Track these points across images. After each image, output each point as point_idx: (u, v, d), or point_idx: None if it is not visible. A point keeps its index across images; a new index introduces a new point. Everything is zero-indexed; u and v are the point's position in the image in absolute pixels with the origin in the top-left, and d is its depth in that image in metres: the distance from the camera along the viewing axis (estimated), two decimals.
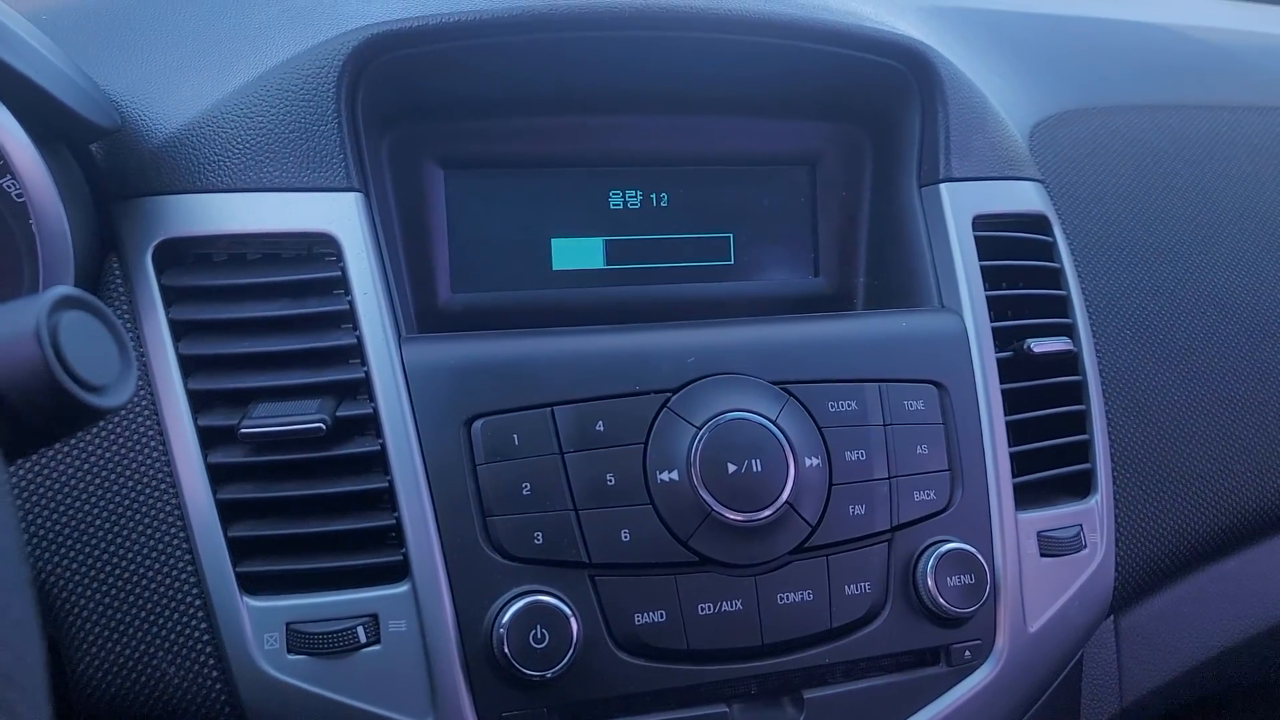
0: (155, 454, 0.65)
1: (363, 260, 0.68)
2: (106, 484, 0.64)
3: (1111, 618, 0.87)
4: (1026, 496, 0.77)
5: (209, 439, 0.65)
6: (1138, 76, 1.06)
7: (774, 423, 0.69)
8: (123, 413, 0.65)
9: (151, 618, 0.63)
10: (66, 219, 0.64)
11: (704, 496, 0.67)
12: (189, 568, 0.64)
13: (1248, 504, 0.90)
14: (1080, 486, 0.81)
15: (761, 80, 0.82)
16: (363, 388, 0.66)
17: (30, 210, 0.63)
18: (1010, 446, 0.76)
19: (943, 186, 0.81)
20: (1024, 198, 0.85)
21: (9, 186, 0.69)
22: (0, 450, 0.36)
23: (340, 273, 0.67)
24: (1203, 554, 0.90)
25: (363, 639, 0.63)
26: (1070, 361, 0.82)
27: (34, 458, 0.64)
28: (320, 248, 0.68)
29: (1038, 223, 0.85)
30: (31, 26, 0.66)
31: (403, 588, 0.64)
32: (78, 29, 0.76)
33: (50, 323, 0.40)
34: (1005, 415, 0.77)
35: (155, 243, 0.67)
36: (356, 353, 0.67)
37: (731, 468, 0.68)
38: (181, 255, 0.68)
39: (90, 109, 0.66)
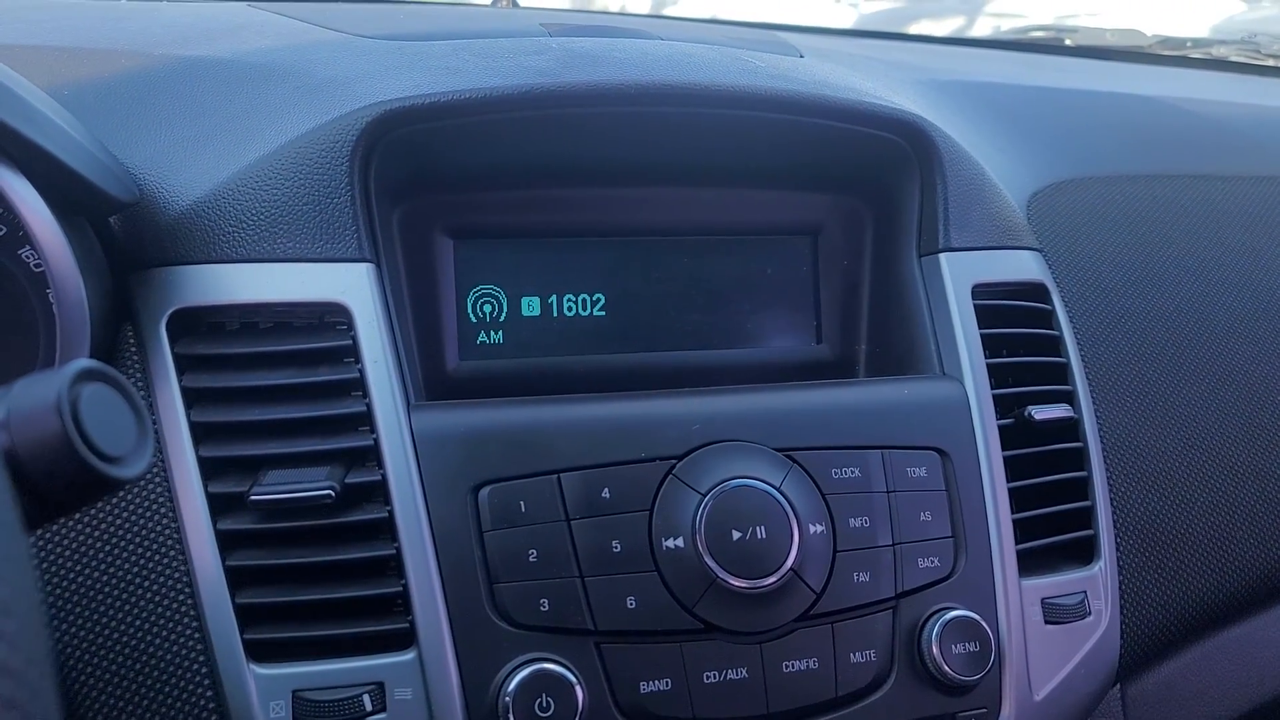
0: (165, 521, 0.65)
1: (373, 329, 0.69)
2: (116, 551, 0.65)
3: (1118, 686, 0.87)
4: (1030, 563, 0.78)
5: (219, 506, 0.65)
6: (1133, 147, 1.08)
7: (778, 489, 0.70)
8: None
9: (158, 685, 0.64)
10: (85, 290, 0.65)
11: (709, 563, 0.67)
12: (196, 634, 0.64)
13: (1251, 571, 0.90)
14: (1083, 553, 0.81)
15: (764, 153, 0.84)
16: (371, 455, 0.67)
17: (50, 281, 0.65)
18: (1013, 513, 0.77)
19: (942, 256, 0.82)
20: (1022, 266, 0.87)
21: (28, 257, 0.71)
22: (21, 517, 0.37)
23: (351, 341, 0.69)
24: (1209, 621, 0.89)
25: (369, 707, 0.63)
26: (1071, 428, 0.83)
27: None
28: (331, 317, 0.70)
29: (1036, 291, 0.87)
30: (54, 102, 0.68)
31: (409, 655, 0.64)
32: (98, 104, 0.78)
33: (71, 395, 0.42)
34: (1007, 482, 0.77)
35: (170, 312, 0.69)
36: (366, 420, 0.67)
37: (736, 534, 0.68)
38: (195, 324, 0.70)
39: (110, 183, 0.68)
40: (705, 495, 0.69)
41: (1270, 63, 1.55)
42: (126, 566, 0.65)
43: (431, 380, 0.79)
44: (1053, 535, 0.80)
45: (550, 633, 0.66)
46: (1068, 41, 1.57)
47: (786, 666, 0.69)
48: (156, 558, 0.65)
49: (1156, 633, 0.85)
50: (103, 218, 0.71)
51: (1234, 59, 1.56)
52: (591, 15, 1.28)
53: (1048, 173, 1.00)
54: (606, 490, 0.68)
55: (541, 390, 0.75)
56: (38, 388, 0.42)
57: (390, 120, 0.72)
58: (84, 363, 0.43)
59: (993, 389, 0.79)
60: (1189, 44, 1.61)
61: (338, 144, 0.71)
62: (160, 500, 0.66)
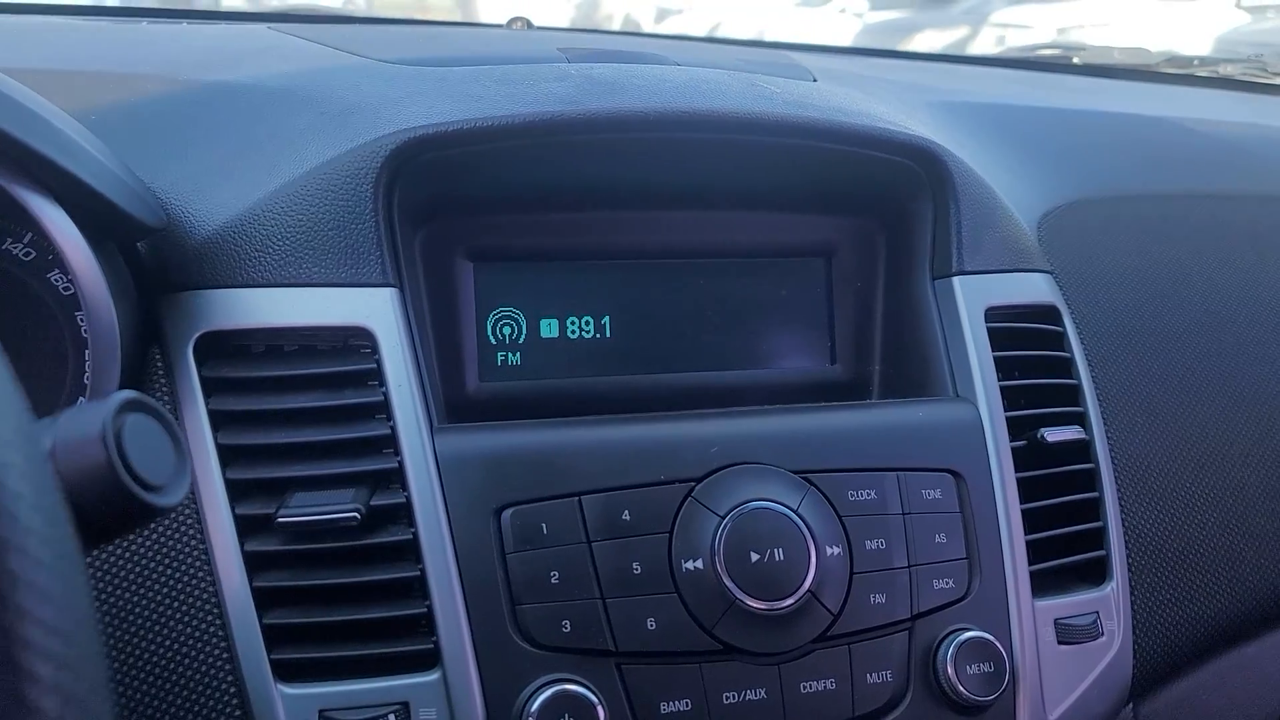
0: (194, 542, 0.66)
1: (397, 353, 0.70)
2: (146, 572, 0.66)
3: (1131, 705, 0.87)
4: (1043, 584, 0.78)
5: (246, 527, 0.66)
6: (1141, 167, 1.09)
7: (795, 512, 0.71)
8: None
9: (187, 705, 0.64)
10: (115, 314, 0.66)
11: (728, 585, 0.68)
12: (224, 655, 0.65)
13: (1262, 591, 0.91)
14: (1095, 574, 0.82)
15: (780, 177, 0.86)
16: (396, 477, 0.68)
17: (82, 305, 0.66)
18: (1026, 534, 0.78)
19: (955, 279, 0.83)
20: (1034, 289, 0.88)
21: (56, 280, 0.72)
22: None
23: (375, 365, 0.70)
24: (1221, 640, 0.90)
25: None
26: (1083, 449, 0.84)
27: None
28: (356, 340, 0.71)
29: (1048, 313, 0.88)
30: (83, 128, 0.69)
31: (433, 676, 0.65)
32: (124, 129, 0.79)
33: (115, 425, 0.43)
34: (1020, 503, 0.78)
35: (197, 335, 0.70)
36: (390, 443, 0.68)
37: (754, 556, 0.69)
38: (221, 347, 0.71)
39: (139, 208, 0.69)
40: (724, 517, 0.69)
41: (1277, 81, 1.56)
42: (156, 587, 0.66)
43: (452, 402, 0.80)
44: (1065, 556, 0.80)
45: (572, 653, 0.67)
46: (1075, 60, 1.58)
47: (804, 687, 0.70)
48: (185, 579, 0.66)
49: (1168, 652, 0.86)
50: (131, 242, 0.72)
51: (1240, 78, 1.57)
52: (606, 38, 1.30)
53: (1057, 194, 1.01)
54: (627, 512, 0.69)
55: (559, 411, 0.76)
56: (82, 418, 0.43)
57: (415, 147, 0.73)
58: (126, 394, 0.44)
59: (1005, 411, 0.80)
60: (1195, 62, 1.63)
61: (362, 170, 0.72)
62: (189, 522, 0.67)
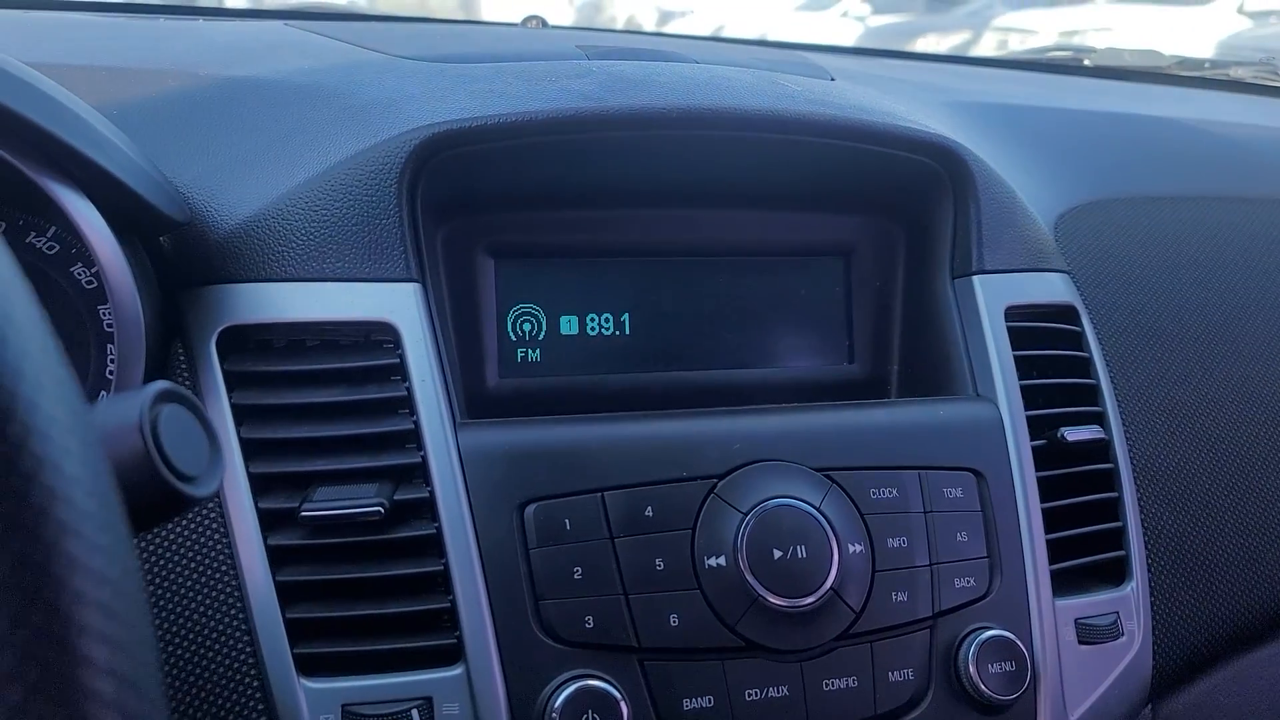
0: (217, 536, 0.66)
1: (421, 348, 0.70)
2: (170, 566, 0.66)
3: (1150, 706, 0.87)
4: (1063, 583, 0.78)
5: (269, 521, 0.66)
6: (1157, 169, 1.09)
7: (818, 509, 0.71)
8: None
9: (211, 698, 0.64)
10: (141, 308, 0.66)
11: (750, 582, 0.68)
12: (248, 649, 0.65)
13: None
14: (1115, 574, 0.82)
15: (800, 175, 0.86)
16: (419, 472, 0.68)
17: (108, 298, 0.66)
18: (1046, 534, 0.78)
19: (975, 279, 0.83)
20: (1053, 289, 0.88)
21: (80, 274, 0.72)
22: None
23: (398, 360, 0.70)
24: (1240, 640, 0.90)
25: None
26: (1102, 449, 0.84)
27: None
28: (378, 335, 0.71)
29: (1066, 313, 0.88)
30: (109, 123, 0.69)
31: (456, 671, 0.65)
32: (145, 124, 0.79)
33: (151, 415, 0.43)
34: (1041, 503, 0.78)
35: (219, 330, 0.70)
36: (413, 438, 0.68)
37: (777, 554, 0.69)
38: (244, 342, 0.71)
39: (164, 202, 0.69)
40: (746, 514, 0.69)
41: None
42: (180, 581, 0.66)
43: (472, 397, 0.80)
44: (1085, 556, 0.80)
45: (595, 649, 0.67)
46: (1086, 62, 1.58)
47: (826, 685, 0.70)
48: (209, 573, 0.66)
49: (1188, 652, 0.86)
50: (155, 236, 0.72)
51: (1251, 81, 1.57)
52: (624, 36, 1.30)
53: (1073, 194, 1.01)
54: (649, 509, 0.69)
55: (578, 408, 0.76)
56: (120, 407, 0.43)
57: (439, 143, 0.73)
58: (162, 384, 0.44)
59: (1025, 410, 0.80)
60: (1206, 65, 1.63)
61: (387, 166, 0.72)
62: (212, 516, 0.67)
